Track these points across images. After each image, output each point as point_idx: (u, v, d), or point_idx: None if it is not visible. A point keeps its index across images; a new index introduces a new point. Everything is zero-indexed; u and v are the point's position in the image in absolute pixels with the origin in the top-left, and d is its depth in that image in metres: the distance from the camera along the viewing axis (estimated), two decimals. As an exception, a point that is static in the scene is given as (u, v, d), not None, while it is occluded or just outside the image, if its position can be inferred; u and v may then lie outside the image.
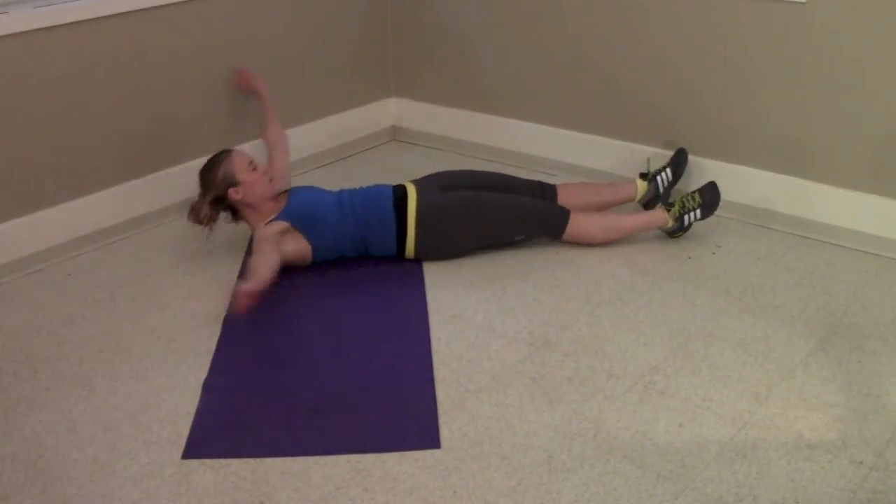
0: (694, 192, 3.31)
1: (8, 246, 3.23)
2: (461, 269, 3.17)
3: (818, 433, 2.32)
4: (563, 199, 3.37)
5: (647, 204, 3.47)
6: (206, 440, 2.35)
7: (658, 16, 3.59)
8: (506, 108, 4.13)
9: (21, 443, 2.35)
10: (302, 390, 2.55)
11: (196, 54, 3.65)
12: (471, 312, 2.91)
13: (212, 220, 3.18)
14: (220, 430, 2.39)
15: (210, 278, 3.16)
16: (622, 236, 3.31)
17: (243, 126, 3.78)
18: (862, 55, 3.17)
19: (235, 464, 2.26)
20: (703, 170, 3.56)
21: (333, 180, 3.73)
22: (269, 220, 3.14)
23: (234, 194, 3.14)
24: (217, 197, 3.15)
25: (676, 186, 3.50)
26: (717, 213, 3.32)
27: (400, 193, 3.20)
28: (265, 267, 2.90)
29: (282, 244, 3.05)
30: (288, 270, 3.21)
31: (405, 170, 3.59)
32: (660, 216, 3.29)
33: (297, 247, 3.11)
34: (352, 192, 3.24)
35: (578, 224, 3.25)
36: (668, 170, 3.47)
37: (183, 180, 3.70)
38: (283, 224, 3.11)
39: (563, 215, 3.24)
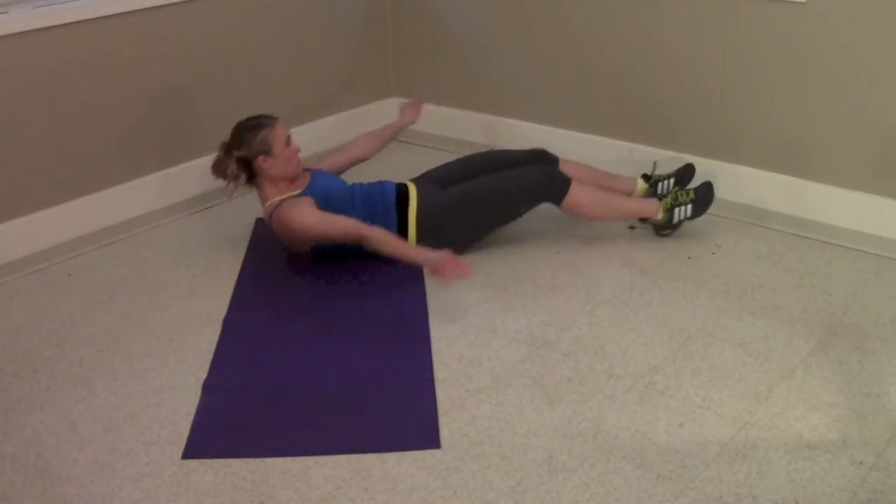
0: (689, 188, 3.31)
1: (8, 246, 3.23)
2: (461, 269, 3.18)
3: (818, 433, 2.32)
4: (564, 170, 3.35)
5: None
6: (206, 440, 2.35)
7: (658, 16, 3.59)
8: (506, 108, 4.13)
9: (21, 443, 2.35)
10: (302, 390, 2.55)
11: (196, 54, 3.65)
12: (471, 312, 2.91)
13: (236, 178, 3.14)
14: (220, 430, 2.39)
15: (210, 278, 3.16)
16: (615, 216, 3.31)
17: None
18: (862, 55, 3.18)
19: (235, 464, 2.26)
20: (703, 170, 3.56)
21: (333, 180, 3.73)
22: (287, 195, 3.12)
23: (262, 162, 3.11)
24: (245, 158, 3.11)
25: None
26: (717, 213, 3.32)
27: (402, 192, 3.20)
28: (368, 229, 3.00)
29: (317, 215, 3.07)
30: (288, 270, 3.21)
31: (405, 170, 3.58)
32: (652, 204, 3.29)
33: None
34: (361, 186, 3.25)
35: (579, 194, 3.22)
36: (671, 180, 3.46)
37: (183, 180, 3.71)
38: (310, 199, 3.11)
39: (565, 182, 3.22)
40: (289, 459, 2.26)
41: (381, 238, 3.03)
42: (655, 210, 3.28)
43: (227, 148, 3.14)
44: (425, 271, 3.00)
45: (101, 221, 3.48)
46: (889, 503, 2.10)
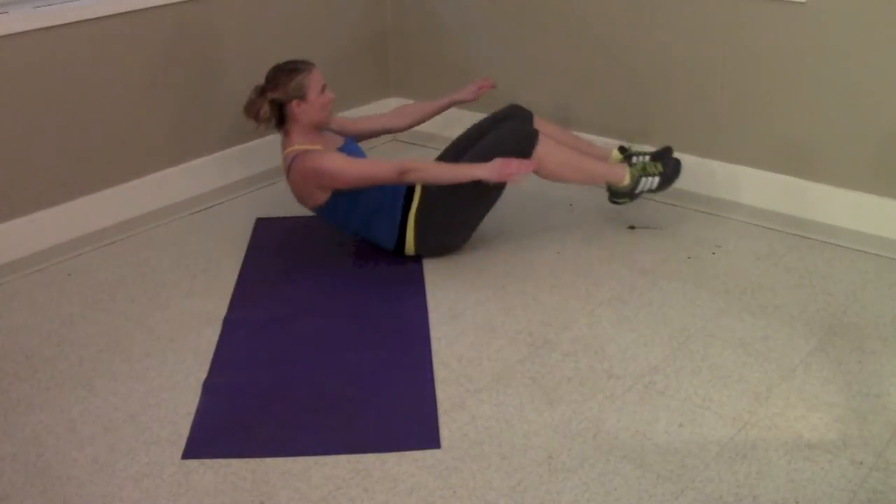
0: (657, 161, 3.29)
1: (8, 246, 3.23)
2: (461, 269, 3.17)
3: (818, 433, 2.32)
4: (538, 127, 3.32)
5: None
6: (206, 440, 2.35)
7: (658, 16, 3.59)
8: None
9: (21, 443, 2.35)
10: (302, 390, 2.55)
11: (196, 54, 3.65)
12: (471, 312, 2.91)
13: (267, 120, 3.12)
14: (220, 430, 2.39)
15: (210, 278, 3.16)
16: (581, 176, 3.27)
17: (246, 125, 3.77)
18: (862, 55, 3.18)
19: (235, 464, 2.26)
20: (703, 169, 3.56)
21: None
22: (312, 147, 3.10)
23: (295, 107, 3.09)
24: (278, 101, 3.09)
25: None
26: (717, 213, 3.32)
27: (409, 189, 3.17)
28: (411, 161, 3.04)
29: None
30: (288, 270, 3.21)
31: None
32: (619, 169, 3.26)
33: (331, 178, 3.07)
34: None
35: (547, 151, 3.17)
36: (647, 157, 3.37)
37: (183, 180, 3.71)
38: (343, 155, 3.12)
39: (533, 135, 3.17)
40: (289, 459, 2.26)
41: (428, 167, 3.02)
42: (622, 175, 3.25)
43: (262, 90, 3.11)
44: (490, 180, 3.01)
45: (101, 221, 3.48)
46: (889, 503, 2.10)
